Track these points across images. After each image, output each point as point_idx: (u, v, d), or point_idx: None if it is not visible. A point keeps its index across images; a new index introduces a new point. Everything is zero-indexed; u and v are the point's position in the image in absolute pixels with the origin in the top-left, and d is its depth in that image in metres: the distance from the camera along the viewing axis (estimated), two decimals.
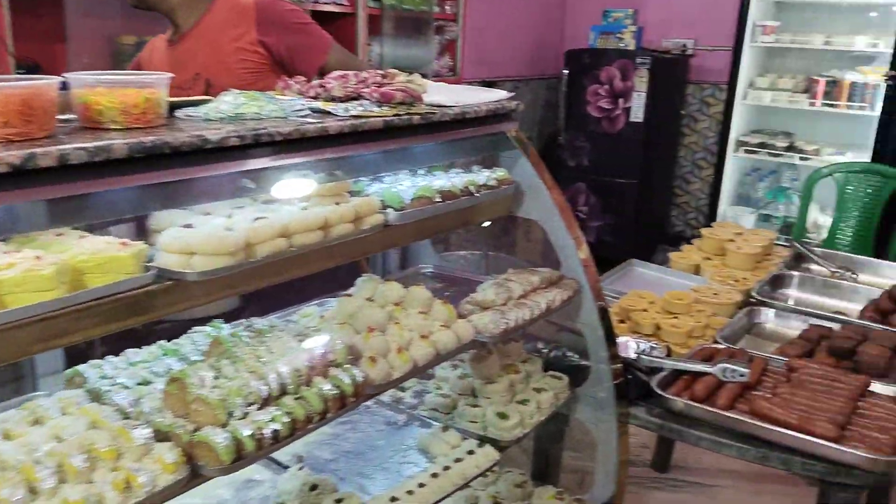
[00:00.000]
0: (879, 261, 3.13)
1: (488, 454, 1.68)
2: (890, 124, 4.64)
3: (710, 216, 5.46)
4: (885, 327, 2.36)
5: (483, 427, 1.78)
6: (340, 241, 1.43)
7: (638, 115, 5.26)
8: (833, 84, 4.86)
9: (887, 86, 4.60)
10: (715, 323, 2.44)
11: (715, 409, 1.88)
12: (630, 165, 5.40)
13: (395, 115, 1.58)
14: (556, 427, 2.22)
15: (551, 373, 2.01)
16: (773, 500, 3.14)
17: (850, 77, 4.82)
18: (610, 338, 1.95)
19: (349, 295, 1.65)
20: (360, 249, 1.51)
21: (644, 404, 2.00)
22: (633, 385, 2.01)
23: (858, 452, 1.68)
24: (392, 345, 1.45)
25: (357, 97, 1.69)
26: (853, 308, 2.62)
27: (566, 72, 5.43)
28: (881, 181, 4.20)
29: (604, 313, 1.95)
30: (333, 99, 1.68)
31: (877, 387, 2.01)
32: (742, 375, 1.97)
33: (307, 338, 1.39)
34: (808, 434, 1.76)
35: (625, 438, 2.00)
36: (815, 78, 4.95)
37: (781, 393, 1.93)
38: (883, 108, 4.63)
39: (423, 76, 1.92)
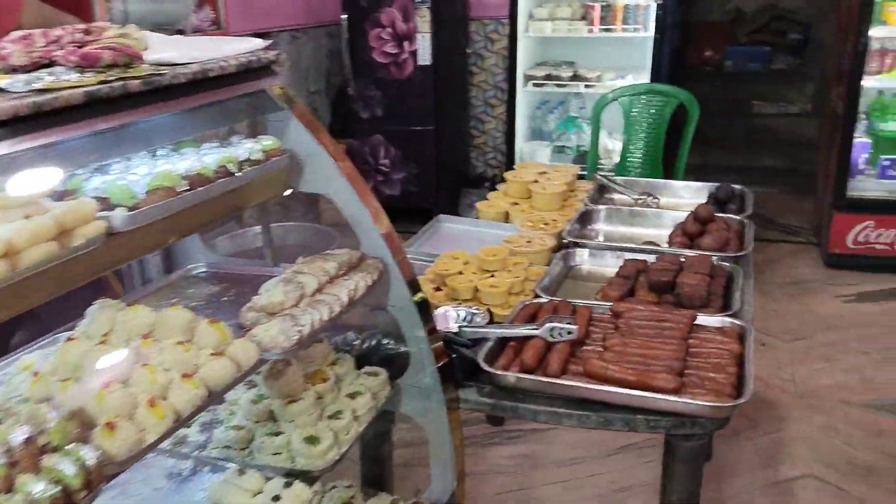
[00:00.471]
0: (676, 182, 3.12)
1: (299, 495, 1.35)
2: (663, 44, 4.73)
3: (509, 154, 5.36)
4: (697, 252, 2.29)
5: (290, 458, 1.44)
6: (39, 271, 1.00)
7: (425, 57, 4.99)
8: (608, 8, 4.86)
9: (657, 6, 4.66)
10: (533, 274, 2.24)
11: (548, 378, 1.67)
12: (424, 111, 5.15)
13: (101, 83, 1.15)
14: (383, 426, 1.93)
15: (367, 369, 1.70)
16: (612, 434, 3.10)
17: (622, 0, 4.84)
18: (426, 317, 1.66)
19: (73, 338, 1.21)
20: (76, 275, 1.08)
21: (474, 384, 1.75)
22: (458, 364, 1.75)
23: (702, 402, 1.54)
24: (140, 398, 1.06)
25: (50, 63, 1.23)
26: (662, 234, 2.54)
27: (344, 17, 5.01)
28: (662, 100, 4.26)
29: (416, 290, 1.65)
30: (14, 70, 1.21)
31: (702, 318, 1.90)
32: (570, 333, 1.77)
33: (7, 416, 0.96)
34: (648, 390, 1.60)
35: (457, 426, 1.75)
36: (590, 4, 4.93)
37: (612, 345, 1.76)
38: (655, 28, 4.70)
39: (180, 33, 1.48)
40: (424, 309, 1.66)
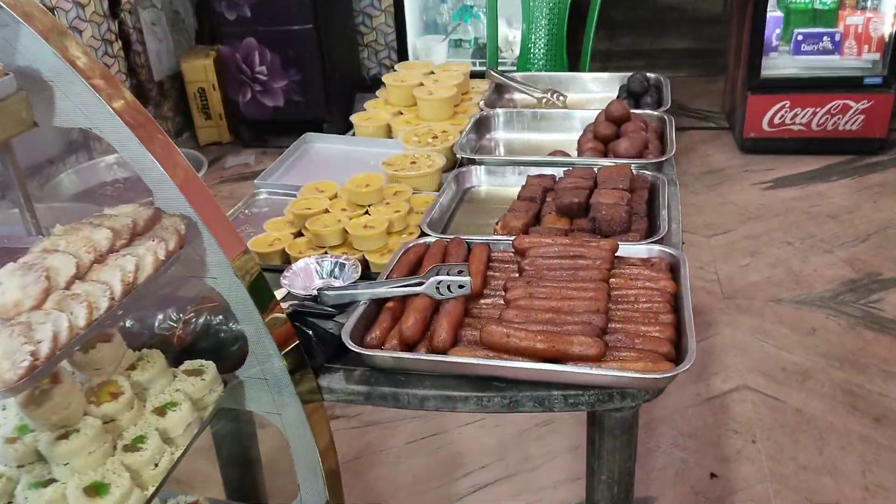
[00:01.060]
0: (583, 74, 2.69)
1: None
2: None
3: (400, 52, 4.79)
4: (612, 160, 1.88)
5: None
6: None
7: None
8: None
9: None
10: (420, 204, 1.80)
11: (434, 357, 1.26)
12: (300, 8, 4.48)
13: None
14: (230, 429, 1.50)
15: (186, 366, 1.24)
16: None
17: None
18: (261, 297, 1.20)
19: None
20: None
21: (341, 366, 1.33)
22: (317, 344, 1.32)
23: (634, 374, 1.16)
24: None
25: None
26: (572, 139, 2.13)
27: None
28: None
29: (245, 267, 1.18)
30: None
31: (624, 248, 1.51)
32: (462, 287, 1.35)
33: None
34: (564, 360, 1.21)
35: (321, 423, 1.33)
36: None
37: (516, 298, 1.36)
38: None
39: None
40: (259, 288, 1.19)
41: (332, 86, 4.79)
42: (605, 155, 1.97)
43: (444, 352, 1.26)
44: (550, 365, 1.19)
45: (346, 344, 1.27)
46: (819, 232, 3.58)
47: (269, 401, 1.31)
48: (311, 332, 1.31)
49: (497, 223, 1.69)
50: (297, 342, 1.26)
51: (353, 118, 2.30)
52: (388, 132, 2.27)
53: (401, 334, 1.29)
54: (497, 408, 1.24)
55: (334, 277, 1.54)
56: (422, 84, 2.34)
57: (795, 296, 3.11)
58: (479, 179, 1.95)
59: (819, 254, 3.40)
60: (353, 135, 2.29)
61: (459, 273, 1.39)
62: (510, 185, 1.91)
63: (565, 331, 1.24)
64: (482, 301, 1.42)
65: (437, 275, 1.38)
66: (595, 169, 1.80)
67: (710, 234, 3.65)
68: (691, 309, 1.32)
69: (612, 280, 1.41)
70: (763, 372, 2.69)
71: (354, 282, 1.48)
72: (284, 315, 1.24)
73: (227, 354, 1.30)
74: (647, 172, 1.84)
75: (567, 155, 1.98)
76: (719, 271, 3.34)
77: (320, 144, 2.26)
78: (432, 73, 2.47)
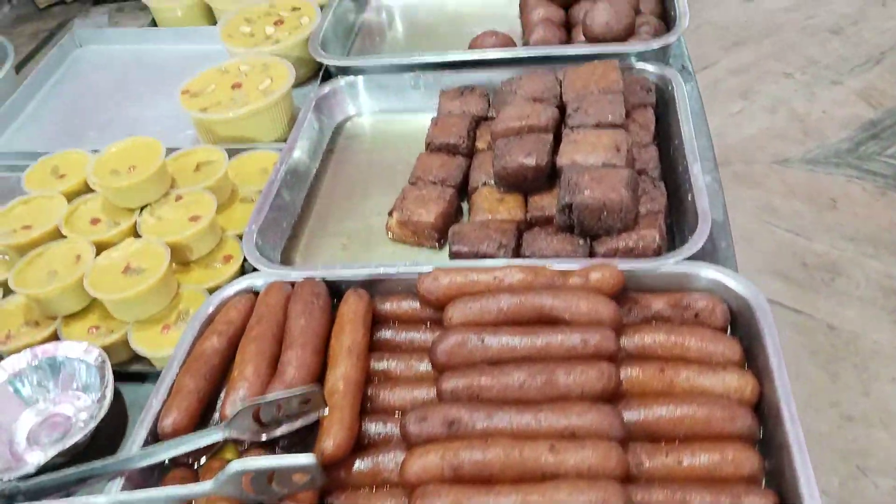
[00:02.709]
0: None
1: None
2: None
3: None
4: (582, 49, 1.02)
5: None
6: None
7: None
8: None
9: None
10: (253, 178, 0.96)
11: None
12: None
13: None
14: None
15: None
16: None
17: None
18: None
19: None
20: None
21: None
22: None
23: None
24: None
25: None
26: (510, 15, 1.24)
27: None
28: None
29: None
30: None
31: (633, 272, 0.73)
32: (300, 481, 0.57)
33: None
34: None
35: None
36: None
37: (425, 487, 0.59)
38: None
39: None
40: None
41: None
42: (568, 34, 1.11)
43: None
44: None
45: None
46: (822, 55, 2.76)
47: None
48: None
49: (391, 213, 0.87)
50: None
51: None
52: (209, 15, 1.34)
53: None
54: None
55: (68, 398, 0.74)
56: None
57: (806, 152, 2.37)
58: (360, 105, 1.09)
59: (826, 86, 2.61)
60: (154, 24, 1.36)
61: (290, 420, 0.60)
62: (416, 108, 1.06)
63: None
64: (355, 469, 0.64)
65: (242, 446, 0.59)
66: (558, 75, 0.95)
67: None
68: (808, 457, 0.57)
69: (623, 371, 0.64)
70: (778, 271, 2.02)
71: (85, 437, 0.68)
72: None
73: None
74: (650, 69, 1.00)
75: (510, 41, 1.10)
76: None
77: (98, 47, 1.33)
78: None
